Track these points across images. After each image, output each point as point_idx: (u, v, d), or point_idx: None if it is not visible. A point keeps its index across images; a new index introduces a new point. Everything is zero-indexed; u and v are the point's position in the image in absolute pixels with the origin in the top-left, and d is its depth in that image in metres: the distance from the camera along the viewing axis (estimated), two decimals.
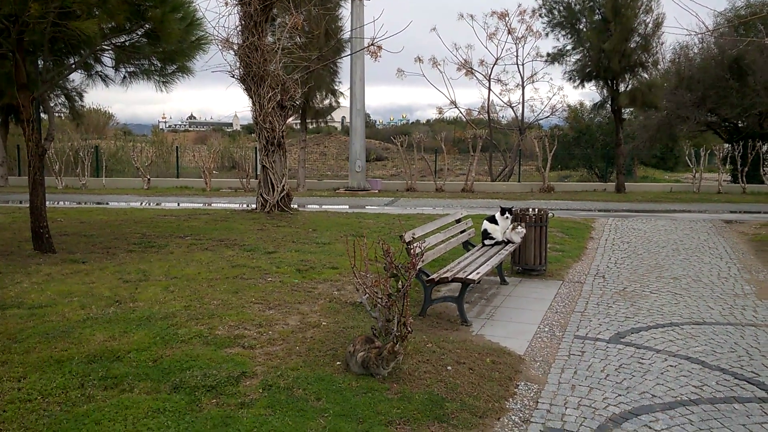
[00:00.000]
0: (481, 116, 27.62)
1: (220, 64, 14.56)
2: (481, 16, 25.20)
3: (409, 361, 4.68)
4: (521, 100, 27.34)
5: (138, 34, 8.27)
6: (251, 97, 12.68)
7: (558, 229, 11.89)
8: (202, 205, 17.47)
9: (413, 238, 6.22)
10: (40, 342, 4.88)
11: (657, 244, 10.61)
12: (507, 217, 7.89)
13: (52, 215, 12.78)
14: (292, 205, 13.48)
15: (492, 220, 7.87)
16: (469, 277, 5.98)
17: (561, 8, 22.31)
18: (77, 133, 36.01)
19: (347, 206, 17.61)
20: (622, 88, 22.13)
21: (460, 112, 27.97)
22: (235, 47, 12.41)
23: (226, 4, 12.27)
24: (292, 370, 4.44)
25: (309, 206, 17.55)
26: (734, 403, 4.23)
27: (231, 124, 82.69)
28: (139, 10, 7.56)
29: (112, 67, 9.52)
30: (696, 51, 25.82)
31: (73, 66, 8.18)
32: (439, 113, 28.68)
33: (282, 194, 12.92)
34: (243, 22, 12.39)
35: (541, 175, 23.72)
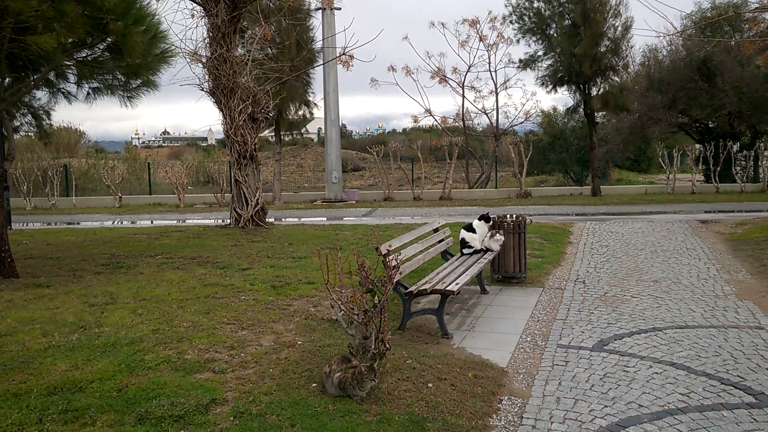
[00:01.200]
0: (457, 124, 27.64)
1: (188, 78, 14.30)
2: (452, 24, 25.43)
3: (389, 379, 4.50)
4: (495, 107, 27.39)
5: (100, 48, 8.00)
6: (221, 110, 12.44)
7: (537, 235, 11.82)
8: (175, 221, 17.13)
9: (389, 250, 6.06)
10: None
11: (635, 247, 10.59)
12: (485, 225, 7.76)
13: (17, 237, 12.39)
14: (267, 219, 13.22)
15: (469, 228, 7.74)
16: (448, 288, 5.82)
17: (531, 14, 22.47)
18: (47, 152, 35.31)
19: (324, 218, 17.40)
20: (594, 92, 22.32)
21: (435, 120, 27.95)
22: (204, 60, 12.16)
23: (193, 15, 12.04)
24: (265, 394, 4.22)
25: (285, 219, 17.30)
26: (722, 410, 4.11)
27: (206, 139, 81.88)
28: (100, 24, 7.31)
29: (75, 83, 9.26)
30: (665, 53, 26.21)
31: (32, 83, 7.88)
32: (415, 122, 28.66)
33: (256, 208, 12.66)
34: (211, 34, 12.17)
35: (517, 180, 23.76)
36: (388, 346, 4.64)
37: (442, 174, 26.67)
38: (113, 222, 17.60)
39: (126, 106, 9.29)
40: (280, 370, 4.69)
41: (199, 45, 12.39)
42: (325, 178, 23.82)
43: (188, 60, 12.16)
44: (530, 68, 23.61)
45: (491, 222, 7.89)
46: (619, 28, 21.42)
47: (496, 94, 26.88)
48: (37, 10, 6.45)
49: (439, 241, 7.81)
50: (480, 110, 27.56)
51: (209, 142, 74.80)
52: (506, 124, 28.75)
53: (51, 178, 24.68)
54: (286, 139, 52.97)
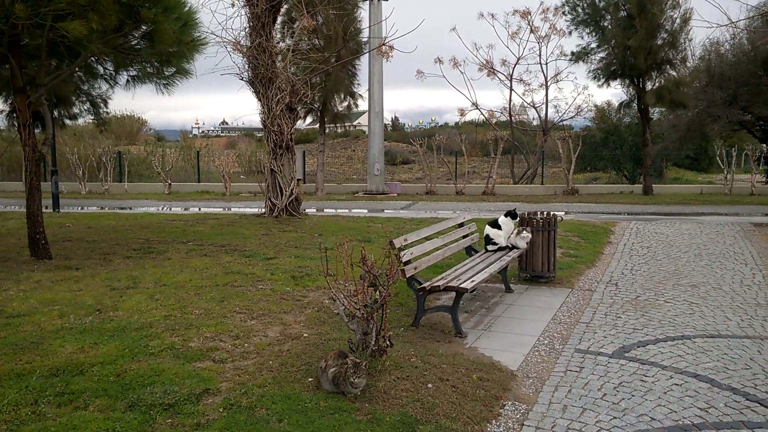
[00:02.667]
0: (504, 118, 27.06)
1: (227, 67, 14.44)
2: (502, 15, 24.84)
3: (387, 377, 4.35)
4: (545, 101, 26.72)
5: (135, 36, 8.10)
6: (260, 100, 12.50)
7: (575, 233, 11.41)
8: (217, 209, 17.40)
9: (404, 244, 5.90)
10: (6, 354, 4.69)
11: (678, 249, 10.06)
12: (511, 221, 7.49)
13: (62, 220, 12.82)
14: (301, 209, 13.24)
15: (494, 224, 7.48)
16: (461, 285, 5.62)
17: (585, 5, 21.67)
18: (108, 139, 36.61)
19: (362, 210, 17.33)
20: (648, 86, 21.39)
21: (482, 114, 27.45)
22: (244, 49, 12.24)
23: (233, 5, 12.11)
24: (259, 387, 4.16)
25: (324, 210, 17.33)
26: (743, 428, 3.79)
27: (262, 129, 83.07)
28: (131, 11, 7.38)
29: (113, 71, 9.44)
30: (728, 47, 24.86)
31: (68, 70, 8.07)
32: (461, 115, 28.23)
33: (290, 198, 12.70)
34: (251, 24, 12.22)
35: (565, 177, 23.09)
36: (389, 343, 4.51)
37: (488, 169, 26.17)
38: (157, 208, 18.03)
39: (162, 93, 9.44)
40: (280, 362, 4.62)
41: (240, 34, 12.47)
42: (367, 170, 23.75)
43: (229, 50, 12.25)
44: (582, 61, 22.82)
45: (518, 218, 7.60)
46: (678, 20, 20.44)
47: (546, 87, 26.21)
48: None
49: (464, 237, 7.59)
50: (529, 104, 26.93)
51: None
52: (556, 119, 28.05)
53: (105, 164, 25.54)
54: (338, 130, 53.28)
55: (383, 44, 14.03)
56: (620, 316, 6.33)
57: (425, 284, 5.78)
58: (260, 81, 12.28)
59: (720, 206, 17.76)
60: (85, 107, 28.02)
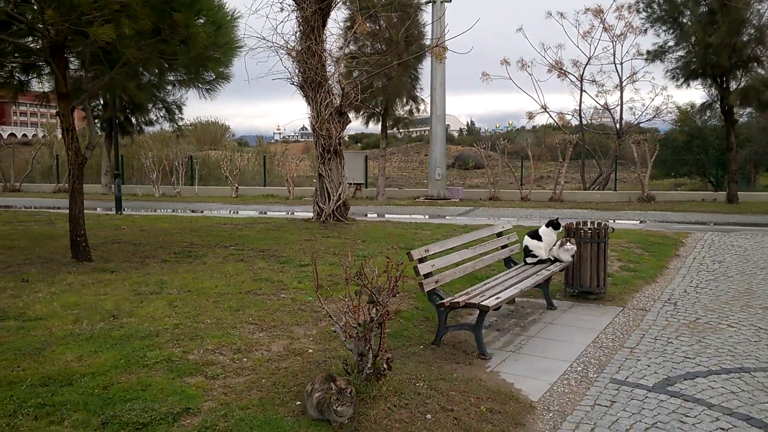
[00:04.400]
0: (575, 120, 25.91)
1: (280, 71, 14.43)
2: (571, 14, 23.62)
3: (382, 405, 3.94)
4: (620, 102, 25.32)
5: (172, 41, 8.08)
6: (309, 104, 12.37)
7: (639, 245, 10.53)
8: (279, 213, 17.49)
9: (425, 255, 5.48)
10: (7, 359, 4.64)
11: (755, 265, 9.03)
12: (552, 232, 6.88)
13: (120, 222, 13.19)
14: (349, 215, 12.99)
15: (534, 235, 6.89)
16: (483, 303, 5.12)
17: (661, 1, 20.33)
18: (190, 144, 38.02)
19: (419, 215, 16.91)
20: (733, 86, 19.77)
21: (551, 117, 26.36)
22: (294, 53, 12.15)
23: (282, 9, 12.06)
24: (241, 409, 3.86)
25: (383, 215, 17.05)
26: None
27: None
28: (164, 15, 7.36)
29: (156, 76, 9.53)
30: None
31: (109, 76, 8.17)
32: (530, 118, 27.22)
33: (338, 203, 12.48)
34: (301, 27, 12.12)
35: (640, 183, 21.73)
36: (387, 366, 4.10)
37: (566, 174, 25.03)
38: (218, 211, 18.35)
39: (204, 98, 9.45)
40: (273, 381, 4.30)
41: (290, 38, 12.40)
42: (428, 174, 23.29)
43: (279, 54, 12.21)
44: (660, 60, 21.43)
45: (560, 228, 6.97)
46: (766, 14, 18.78)
47: (621, 88, 24.87)
48: (95, 1, 6.58)
49: (503, 247, 7.05)
50: (602, 106, 25.62)
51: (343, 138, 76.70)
52: (633, 121, 26.56)
53: (177, 168, 26.43)
54: (412, 135, 52.97)
55: (437, 45, 13.58)
56: (672, 341, 5.62)
57: (445, 300, 5.32)
58: (309, 85, 12.15)
59: None
60: (161, 113, 29.12)
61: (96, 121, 26.97)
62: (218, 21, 7.83)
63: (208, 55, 8.06)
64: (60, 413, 3.78)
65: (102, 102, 25.45)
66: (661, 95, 37.31)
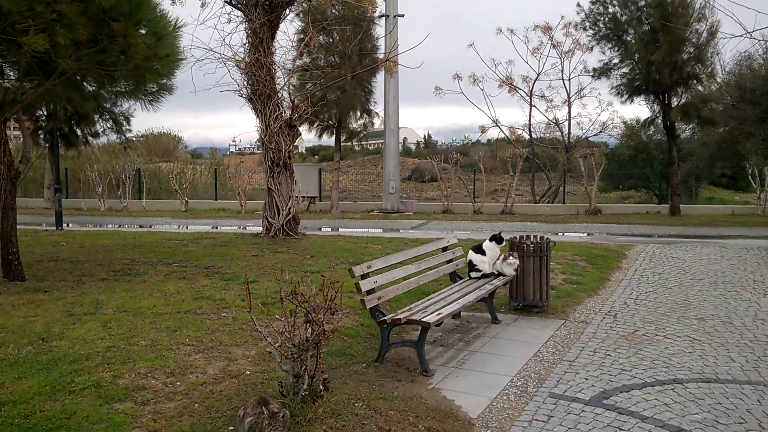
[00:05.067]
0: (525, 135, 26.42)
1: (228, 84, 14.25)
2: (521, 31, 24.29)
3: (318, 427, 3.86)
4: (568, 117, 25.98)
5: (111, 52, 7.85)
6: (258, 116, 12.22)
7: (583, 257, 10.74)
8: (229, 227, 17.17)
9: (367, 271, 5.43)
10: None
11: (693, 276, 9.32)
12: (496, 247, 6.93)
13: (59, 239, 12.70)
14: (299, 229, 12.85)
15: (478, 249, 6.94)
16: (425, 319, 5.09)
17: (606, 20, 21.01)
18: (140, 156, 37.03)
19: (372, 229, 16.88)
20: (674, 102, 20.54)
21: (502, 131, 26.83)
22: (242, 65, 12.01)
23: (229, 21, 11.93)
24: None
25: (337, 229, 16.94)
26: None
27: (296, 147, 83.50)
28: (102, 25, 7.14)
29: (96, 87, 9.26)
30: (761, 62, 23.79)
31: (43, 87, 7.87)
32: (482, 132, 27.62)
33: (288, 218, 12.32)
34: (249, 39, 11.99)
35: (587, 196, 22.27)
36: (323, 387, 4.02)
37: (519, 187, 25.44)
38: (165, 226, 17.90)
39: (147, 109, 9.21)
40: (206, 406, 4.16)
41: (239, 50, 12.25)
42: (382, 188, 23.33)
43: (227, 66, 12.04)
44: (605, 77, 22.08)
45: (504, 242, 7.04)
46: (704, 34, 19.61)
47: (569, 104, 25.52)
48: (29, 9, 6.34)
49: (448, 261, 7.07)
50: (551, 120, 26.22)
51: (299, 150, 76.13)
52: (581, 136, 27.26)
53: (123, 181, 25.70)
54: (371, 147, 52.99)
55: (387, 59, 13.65)
56: (610, 353, 5.72)
57: (386, 317, 5.28)
58: (258, 97, 12.01)
59: (750, 228, 16.78)
60: (108, 125, 28.34)
61: (39, 132, 26.04)
62: (159, 31, 7.65)
63: (149, 66, 7.86)
64: None
65: (45, 113, 24.60)
66: (607, 111, 38.45)
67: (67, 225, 17.04)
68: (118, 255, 10.45)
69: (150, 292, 7.50)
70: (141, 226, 17.59)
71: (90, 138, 27.91)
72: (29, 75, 8.17)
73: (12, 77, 9.39)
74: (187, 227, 17.70)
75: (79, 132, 26.59)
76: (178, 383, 4.56)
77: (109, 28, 7.16)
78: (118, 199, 25.45)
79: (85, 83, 9.22)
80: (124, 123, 26.33)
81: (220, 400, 4.25)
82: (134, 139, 36.71)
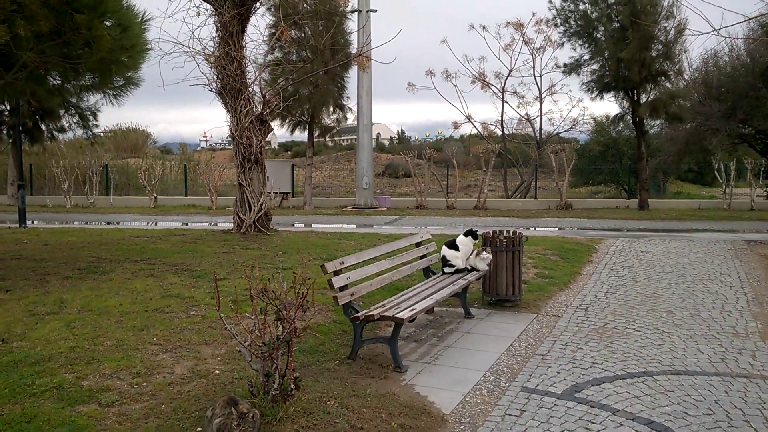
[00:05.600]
0: (498, 131, 26.59)
1: (197, 77, 14.01)
2: (493, 27, 24.17)
3: (289, 427, 3.79)
4: (539, 113, 26.20)
5: (75, 44, 7.63)
6: (228, 111, 12.03)
7: (555, 251, 10.82)
8: (199, 224, 16.90)
9: (340, 267, 5.36)
10: None
11: (662, 270, 9.46)
12: (470, 242, 6.93)
13: (23, 236, 12.35)
14: (271, 225, 12.71)
15: (452, 245, 6.92)
16: (398, 315, 5.06)
17: (577, 16, 21.21)
18: (108, 152, 36.26)
19: (345, 225, 16.79)
20: (643, 98, 20.85)
21: (475, 127, 26.95)
22: (211, 59, 11.80)
23: (198, 14, 11.70)
24: None
25: (310, 225, 16.80)
26: None
27: (269, 142, 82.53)
28: (65, 17, 6.92)
29: (61, 81, 8.99)
30: (726, 59, 24.30)
31: (2, 81, 7.61)
32: (455, 128, 27.71)
33: (259, 214, 12.17)
34: (219, 33, 11.78)
35: (558, 191, 22.50)
36: (294, 386, 3.95)
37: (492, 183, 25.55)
38: (133, 223, 17.56)
39: (112, 104, 8.98)
40: (173, 407, 4.06)
41: (208, 44, 12.03)
42: (356, 183, 23.25)
43: (196, 60, 11.82)
44: (576, 73, 22.29)
45: (478, 238, 7.04)
46: (672, 31, 19.93)
47: (541, 100, 25.73)
48: None
49: (422, 257, 7.04)
50: (523, 116, 26.42)
51: (272, 146, 75.46)
52: (552, 132, 27.54)
53: (90, 177, 25.13)
54: (344, 143, 52.73)
55: (360, 54, 13.56)
56: (581, 347, 5.75)
57: (359, 313, 5.22)
58: (228, 92, 11.81)
59: (716, 222, 17.13)
60: (75, 120, 27.63)
61: (2, 127, 25.29)
62: (125, 23, 7.45)
63: (114, 58, 7.65)
64: None
65: (8, 108, 23.90)
66: (578, 107, 39.00)
67: (32, 222, 16.61)
68: (84, 253, 10.19)
69: (116, 290, 7.31)
70: (108, 223, 17.21)
71: (55, 133, 27.31)
72: None
73: None
74: (156, 224, 17.39)
75: (43, 127, 25.96)
76: (145, 384, 4.44)
77: (72, 19, 6.96)
78: (84, 196, 24.87)
79: (49, 77, 8.94)
80: (91, 118, 25.83)
81: (188, 401, 4.15)
82: (101, 134, 35.94)
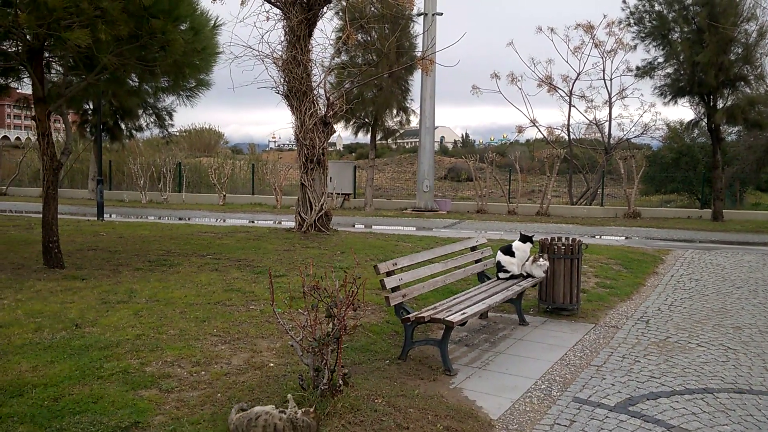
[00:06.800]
0: (564, 135, 25.98)
1: (265, 81, 14.42)
2: (561, 29, 23.61)
3: (336, 422, 3.88)
4: (608, 118, 25.45)
5: (152, 47, 8.04)
6: (293, 113, 12.35)
7: (618, 261, 10.51)
8: (264, 222, 17.41)
9: (393, 269, 5.43)
10: None
11: (732, 284, 9.03)
12: (526, 247, 6.84)
13: (99, 229, 13.08)
14: (331, 225, 12.93)
15: (507, 250, 6.86)
16: (449, 318, 5.07)
17: (652, 17, 20.47)
18: (182, 150, 37.88)
19: (404, 227, 16.87)
20: (720, 104, 19.90)
21: (540, 131, 26.47)
22: (279, 62, 12.14)
23: (268, 19, 12.07)
24: (191, 424, 3.78)
25: (360, 226, 16.99)
26: None
27: (334, 144, 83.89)
28: (143, 21, 7.32)
29: (138, 82, 9.49)
30: None
31: (85, 81, 8.12)
32: (519, 132, 27.30)
33: (320, 214, 12.42)
34: (287, 37, 12.11)
35: (626, 199, 21.79)
36: (342, 382, 4.04)
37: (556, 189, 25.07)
38: (202, 219, 18.25)
39: (185, 105, 9.40)
40: (228, 396, 4.23)
41: (276, 47, 12.39)
42: (417, 186, 23.29)
43: (265, 63, 12.20)
44: (648, 77, 21.53)
45: (534, 244, 6.94)
46: (754, 34, 18.94)
47: (610, 104, 25.00)
48: (73, 6, 6.54)
49: (476, 261, 7.01)
50: (591, 121, 25.72)
51: (337, 148, 76.66)
52: (622, 137, 26.66)
53: (164, 174, 26.31)
54: (408, 145, 52.91)
55: (424, 58, 13.61)
56: (639, 360, 5.59)
57: (411, 314, 5.27)
58: (294, 94, 12.13)
59: None
60: (152, 119, 29.02)
61: (86, 126, 26.83)
62: (197, 27, 7.80)
63: (187, 61, 8.02)
64: (5, 426, 3.70)
65: (91, 108, 25.35)
66: (650, 112, 37.42)
67: (109, 216, 17.56)
68: (155, 246, 10.71)
69: (182, 282, 7.66)
70: (179, 219, 17.98)
71: (134, 132, 28.77)
72: (74, 70, 8.42)
73: (58, 71, 9.74)
74: (223, 221, 18.02)
75: (123, 126, 27.40)
76: (203, 372, 4.64)
77: (149, 24, 7.33)
78: (159, 192, 26.08)
79: (128, 79, 9.45)
80: (167, 118, 27.07)
81: (243, 391, 4.31)
82: (176, 133, 37.64)
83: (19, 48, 7.83)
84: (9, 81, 9.60)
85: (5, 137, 77.96)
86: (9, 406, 3.95)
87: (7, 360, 4.73)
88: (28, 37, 7.57)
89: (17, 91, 11.24)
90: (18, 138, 78.58)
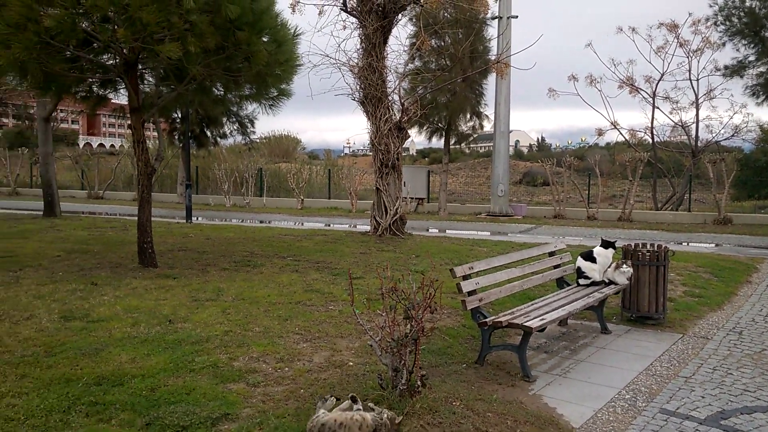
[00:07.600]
0: (647, 138, 24.95)
1: (342, 87, 14.74)
2: (643, 29, 22.58)
3: (414, 422, 3.93)
4: (695, 120, 24.21)
5: (236, 58, 8.43)
6: (369, 119, 12.56)
7: (708, 269, 10.01)
8: (340, 225, 17.77)
9: (469, 272, 5.43)
10: (68, 358, 4.93)
11: None
12: (608, 253, 6.65)
13: (188, 231, 13.75)
14: (405, 229, 13.03)
15: (588, 256, 6.69)
16: (527, 324, 5.02)
17: (741, 14, 19.40)
18: (262, 156, 39.26)
19: (479, 232, 16.74)
20: None
21: (621, 134, 25.50)
22: (355, 70, 12.39)
23: (344, 27, 12.34)
24: (277, 417, 3.95)
25: (435, 230, 16.99)
26: None
27: (408, 149, 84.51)
28: (228, 34, 7.70)
29: (223, 92, 9.94)
30: None
31: (175, 91, 8.61)
32: (599, 135, 26.40)
33: (395, 217, 12.55)
34: (363, 45, 12.35)
35: (716, 204, 20.65)
36: (421, 383, 4.09)
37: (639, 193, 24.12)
38: (282, 222, 18.82)
39: (267, 113, 9.78)
40: (311, 392, 4.38)
41: (352, 55, 12.66)
42: (491, 191, 23.03)
43: (341, 71, 12.49)
44: (738, 76, 20.41)
45: (616, 250, 6.74)
46: None
47: (697, 105, 23.76)
48: (165, 20, 6.96)
49: (555, 267, 6.89)
50: (676, 123, 24.56)
51: (410, 153, 77.13)
52: (711, 140, 25.30)
53: (247, 179, 27.32)
54: (482, 150, 52.50)
55: (498, 61, 13.49)
56: (732, 372, 5.32)
57: (488, 319, 5.25)
58: (370, 101, 12.34)
59: None
60: (235, 127, 30.23)
61: (174, 133, 28.29)
62: (280, 39, 8.11)
63: (270, 71, 8.35)
64: (109, 412, 3.99)
65: (179, 116, 26.71)
66: (741, 113, 35.11)
67: (197, 218, 18.44)
68: (239, 247, 11.17)
69: (265, 283, 7.96)
70: (261, 222, 18.64)
71: (218, 139, 30.09)
72: (165, 80, 8.93)
73: (150, 82, 10.37)
74: (301, 224, 18.52)
75: (208, 133, 28.72)
76: (287, 369, 4.82)
77: (234, 36, 7.69)
78: (241, 196, 27.10)
79: (214, 88, 9.93)
80: (249, 125, 28.13)
81: (324, 388, 4.45)
82: (257, 140, 39.05)
83: (117, 61, 8.40)
84: (107, 92, 10.29)
85: (101, 144, 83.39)
86: (111, 394, 4.25)
87: (109, 352, 5.09)
88: (124, 50, 8.11)
89: (112, 101, 12.03)
90: (113, 145, 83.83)
